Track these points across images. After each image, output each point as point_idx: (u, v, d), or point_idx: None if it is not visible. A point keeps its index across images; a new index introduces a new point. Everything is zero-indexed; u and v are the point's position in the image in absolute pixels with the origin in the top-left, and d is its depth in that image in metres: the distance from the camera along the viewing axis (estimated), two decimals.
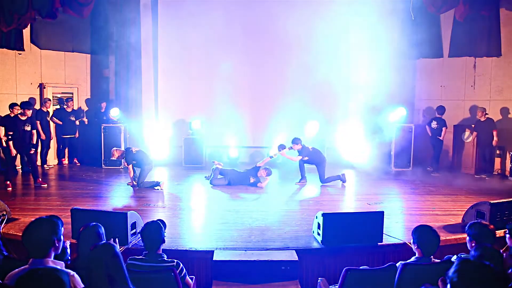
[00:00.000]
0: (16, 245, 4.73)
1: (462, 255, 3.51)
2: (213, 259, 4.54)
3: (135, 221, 4.95)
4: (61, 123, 10.12)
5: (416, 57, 10.70)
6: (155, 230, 3.49)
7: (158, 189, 7.73)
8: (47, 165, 10.03)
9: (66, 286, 2.28)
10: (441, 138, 9.70)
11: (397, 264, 3.38)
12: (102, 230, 3.37)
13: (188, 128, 10.50)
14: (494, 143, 9.24)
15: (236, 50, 10.31)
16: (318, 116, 10.18)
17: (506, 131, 9.52)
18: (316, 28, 9.99)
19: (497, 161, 9.74)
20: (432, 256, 3.41)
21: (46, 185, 8.07)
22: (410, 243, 3.56)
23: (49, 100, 9.94)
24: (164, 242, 3.56)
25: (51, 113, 10.07)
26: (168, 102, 10.87)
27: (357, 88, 10.85)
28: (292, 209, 6.70)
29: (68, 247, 3.73)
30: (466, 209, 5.76)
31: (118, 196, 7.48)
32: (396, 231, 5.35)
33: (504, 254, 3.38)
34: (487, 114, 9.32)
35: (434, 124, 9.77)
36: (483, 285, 1.95)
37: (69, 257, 3.65)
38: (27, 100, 8.88)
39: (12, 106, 9.16)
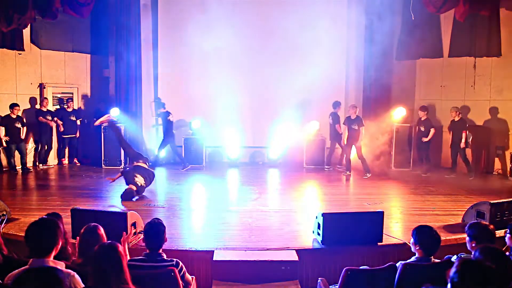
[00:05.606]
0: (16, 245, 4.72)
1: (462, 255, 3.50)
2: (213, 259, 4.54)
3: (135, 221, 4.94)
4: (61, 123, 10.11)
5: (416, 57, 10.69)
6: (159, 230, 3.50)
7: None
8: (47, 165, 10.03)
9: (66, 286, 2.28)
10: (426, 140, 9.52)
11: (397, 264, 3.38)
12: (102, 230, 3.40)
13: (188, 128, 10.50)
14: (462, 144, 9.06)
15: (236, 50, 10.30)
16: (318, 116, 10.19)
17: (505, 131, 9.52)
18: (315, 28, 9.97)
19: (497, 161, 9.76)
20: (432, 256, 3.41)
21: (32, 170, 9.41)
22: (410, 243, 3.56)
23: (46, 98, 9.93)
24: (166, 241, 3.58)
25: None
26: (168, 102, 10.85)
27: (357, 88, 10.87)
28: (292, 209, 6.69)
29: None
30: (466, 209, 5.76)
31: (118, 196, 7.46)
32: (396, 231, 5.35)
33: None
34: (461, 113, 9.30)
35: (422, 127, 9.68)
36: (484, 286, 1.95)
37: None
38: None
39: (12, 106, 9.21)
